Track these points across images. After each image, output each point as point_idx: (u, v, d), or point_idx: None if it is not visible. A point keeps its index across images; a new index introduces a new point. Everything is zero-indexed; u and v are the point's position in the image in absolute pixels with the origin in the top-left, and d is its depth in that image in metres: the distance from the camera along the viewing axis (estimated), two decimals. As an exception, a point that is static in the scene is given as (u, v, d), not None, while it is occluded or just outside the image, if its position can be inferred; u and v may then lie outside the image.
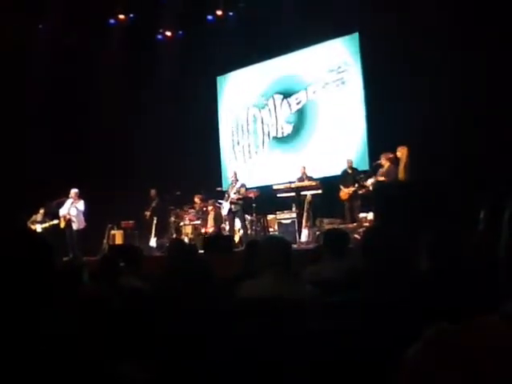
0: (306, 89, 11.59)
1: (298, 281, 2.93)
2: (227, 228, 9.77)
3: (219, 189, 10.91)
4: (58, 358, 0.95)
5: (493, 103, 7.85)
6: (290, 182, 9.61)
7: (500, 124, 7.74)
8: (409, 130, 8.49)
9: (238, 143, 12.78)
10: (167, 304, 2.57)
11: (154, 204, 11.12)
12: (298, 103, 11.75)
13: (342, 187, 9.34)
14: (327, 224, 9.01)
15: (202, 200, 10.89)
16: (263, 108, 12.34)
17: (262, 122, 12.34)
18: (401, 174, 7.94)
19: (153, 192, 11.23)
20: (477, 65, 8.06)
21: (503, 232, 0.83)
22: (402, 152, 8.01)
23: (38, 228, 10.08)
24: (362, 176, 9.05)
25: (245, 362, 2.02)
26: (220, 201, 10.17)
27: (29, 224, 10.14)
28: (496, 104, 7.80)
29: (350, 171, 9.46)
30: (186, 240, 10.18)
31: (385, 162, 8.29)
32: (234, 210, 9.54)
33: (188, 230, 10.70)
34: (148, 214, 11.12)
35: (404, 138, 8.23)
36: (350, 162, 9.54)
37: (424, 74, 8.63)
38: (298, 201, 9.21)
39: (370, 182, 8.57)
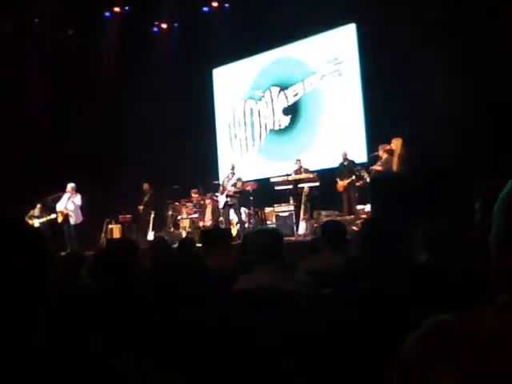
0: (302, 81, 11.55)
1: (293, 273, 2.90)
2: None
3: (216, 182, 10.89)
4: (55, 359, 0.94)
5: (491, 94, 7.82)
6: (288, 175, 9.61)
7: (499, 115, 7.71)
8: (407, 121, 8.46)
9: (235, 136, 12.75)
10: (165, 297, 2.57)
11: (146, 198, 11.01)
12: (295, 95, 11.71)
13: (338, 180, 9.36)
14: (325, 216, 9.01)
15: (199, 193, 10.88)
16: (260, 100, 12.31)
17: (259, 115, 12.31)
18: (395, 166, 7.95)
19: (145, 186, 11.08)
20: (476, 53, 8.01)
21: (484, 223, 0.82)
22: (396, 144, 8.02)
23: (36, 223, 10.06)
24: (358, 168, 9.06)
25: (242, 354, 2.02)
26: (217, 194, 10.15)
27: (26, 219, 10.11)
28: (495, 94, 7.76)
29: (345, 163, 9.46)
30: (184, 233, 10.18)
31: (382, 153, 8.31)
32: (230, 203, 9.52)
33: (185, 223, 10.70)
34: (141, 208, 11.04)
35: (402, 130, 8.21)
36: (344, 154, 9.53)
37: (422, 65, 8.60)
38: (296, 193, 9.22)
39: (367, 173, 8.58)
